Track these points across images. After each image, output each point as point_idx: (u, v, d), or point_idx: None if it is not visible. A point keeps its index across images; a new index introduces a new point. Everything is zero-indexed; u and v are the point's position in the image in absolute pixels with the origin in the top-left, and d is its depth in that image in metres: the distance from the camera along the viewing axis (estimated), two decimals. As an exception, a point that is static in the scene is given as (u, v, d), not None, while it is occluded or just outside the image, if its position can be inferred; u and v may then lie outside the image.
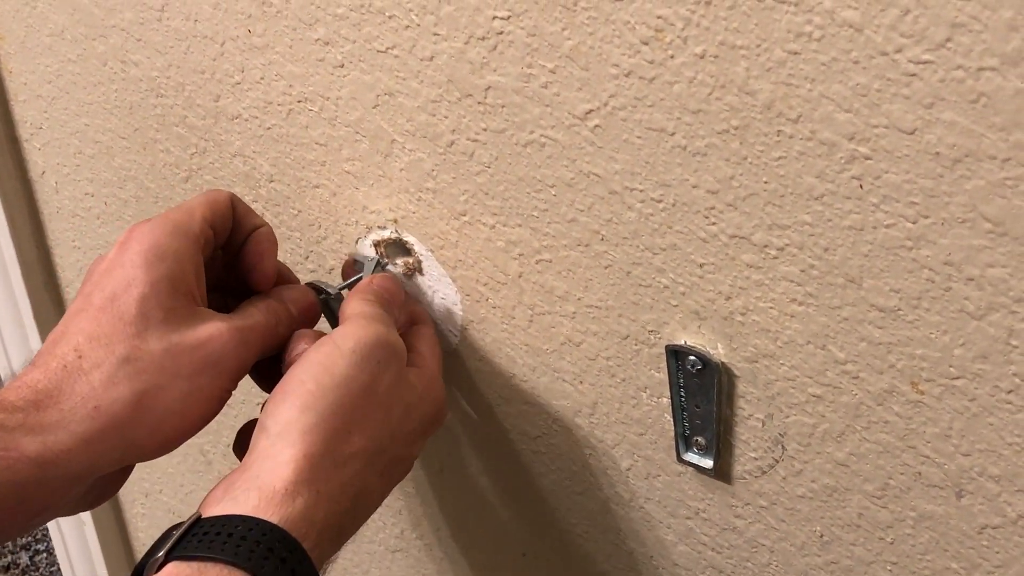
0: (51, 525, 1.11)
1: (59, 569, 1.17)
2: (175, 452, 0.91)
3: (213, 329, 0.49)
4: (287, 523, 0.43)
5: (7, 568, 1.52)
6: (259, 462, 0.45)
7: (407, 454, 0.51)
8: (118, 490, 0.51)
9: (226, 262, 0.56)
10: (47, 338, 0.49)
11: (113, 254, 0.50)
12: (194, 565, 0.41)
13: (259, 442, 0.46)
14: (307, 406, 0.46)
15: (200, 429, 0.50)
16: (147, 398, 0.47)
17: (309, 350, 0.49)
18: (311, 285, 0.57)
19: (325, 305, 0.57)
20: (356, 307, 0.52)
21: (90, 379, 0.46)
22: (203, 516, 0.44)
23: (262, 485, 0.44)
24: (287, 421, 0.46)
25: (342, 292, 0.57)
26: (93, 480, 0.48)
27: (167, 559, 0.42)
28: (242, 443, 0.51)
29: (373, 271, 0.58)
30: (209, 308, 0.51)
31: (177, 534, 0.43)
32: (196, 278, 0.50)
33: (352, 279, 0.58)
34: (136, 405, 0.47)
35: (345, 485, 0.47)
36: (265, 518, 0.43)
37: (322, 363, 0.48)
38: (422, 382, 0.52)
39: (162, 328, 0.48)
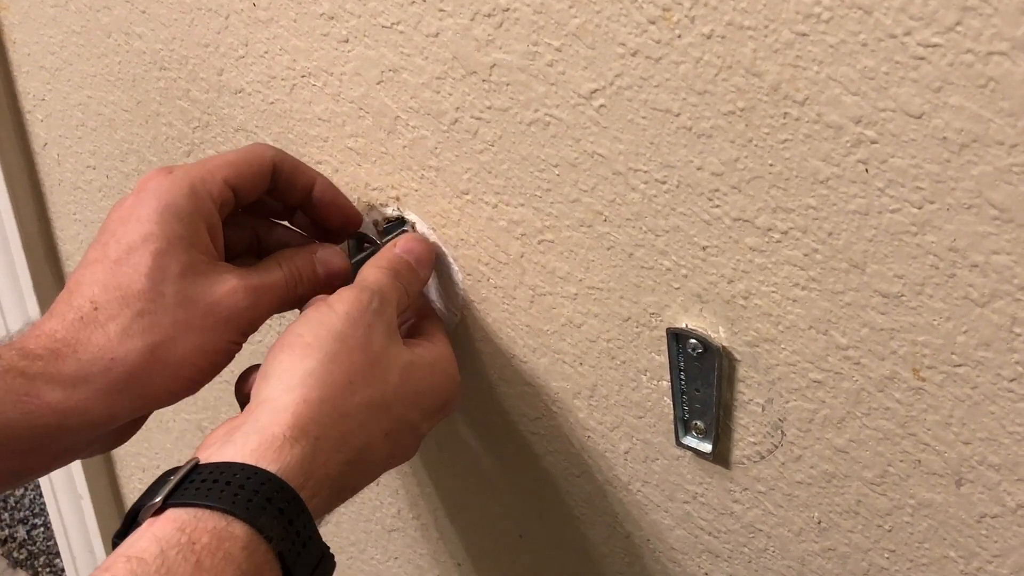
0: (48, 499, 1.11)
1: (55, 543, 1.17)
2: (172, 429, 0.91)
3: (228, 285, 0.51)
4: (285, 472, 0.44)
5: (4, 541, 1.52)
6: (259, 407, 0.46)
7: (415, 420, 0.52)
8: (134, 434, 0.53)
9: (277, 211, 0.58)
10: (65, 286, 0.51)
11: (130, 202, 0.51)
12: (191, 512, 0.42)
13: (260, 390, 0.47)
14: (304, 355, 0.48)
15: (210, 380, 0.51)
16: (161, 350, 0.49)
17: (306, 309, 0.51)
18: (359, 235, 0.58)
19: (369, 257, 0.57)
20: (365, 274, 0.53)
21: (106, 331, 0.48)
22: (201, 461, 0.44)
23: (261, 429, 0.45)
24: (285, 368, 0.47)
25: (384, 244, 0.58)
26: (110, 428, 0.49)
27: (165, 505, 0.42)
28: (242, 389, 0.53)
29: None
30: (272, 251, 0.54)
31: (174, 479, 0.43)
32: (213, 236, 0.52)
33: (395, 233, 0.58)
34: (150, 357, 0.49)
35: (347, 435, 0.47)
36: (263, 465, 0.43)
37: (317, 319, 0.49)
38: (431, 354, 0.53)
39: (178, 282, 0.49)
